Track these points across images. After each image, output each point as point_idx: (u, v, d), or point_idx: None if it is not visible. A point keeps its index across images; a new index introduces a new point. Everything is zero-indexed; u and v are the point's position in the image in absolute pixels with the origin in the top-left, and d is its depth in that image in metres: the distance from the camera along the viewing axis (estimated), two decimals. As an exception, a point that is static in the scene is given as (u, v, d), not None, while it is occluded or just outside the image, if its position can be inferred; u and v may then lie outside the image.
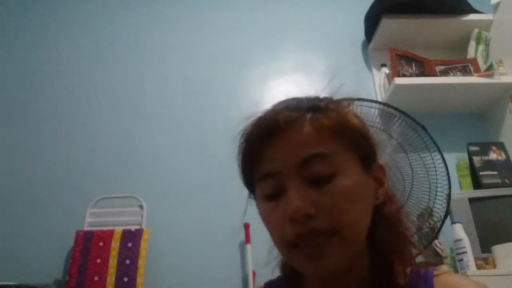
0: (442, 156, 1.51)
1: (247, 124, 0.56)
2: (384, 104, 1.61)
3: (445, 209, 1.48)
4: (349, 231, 0.49)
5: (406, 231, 0.58)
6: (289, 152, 0.51)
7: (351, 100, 0.62)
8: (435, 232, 1.72)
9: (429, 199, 1.50)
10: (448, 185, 1.49)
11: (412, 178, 1.51)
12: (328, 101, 0.56)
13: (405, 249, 0.56)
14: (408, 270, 0.55)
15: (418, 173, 1.52)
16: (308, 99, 0.57)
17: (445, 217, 1.49)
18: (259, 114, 0.56)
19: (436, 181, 1.50)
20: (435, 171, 1.51)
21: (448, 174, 1.50)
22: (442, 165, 1.50)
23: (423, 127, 1.54)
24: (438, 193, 1.50)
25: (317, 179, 0.50)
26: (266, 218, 0.53)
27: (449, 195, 1.48)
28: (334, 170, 0.50)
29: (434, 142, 1.52)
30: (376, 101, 1.55)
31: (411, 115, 1.56)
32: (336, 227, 0.48)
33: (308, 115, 0.53)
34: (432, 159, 1.52)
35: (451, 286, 0.52)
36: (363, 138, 0.55)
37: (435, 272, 0.55)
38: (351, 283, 0.54)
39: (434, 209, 1.50)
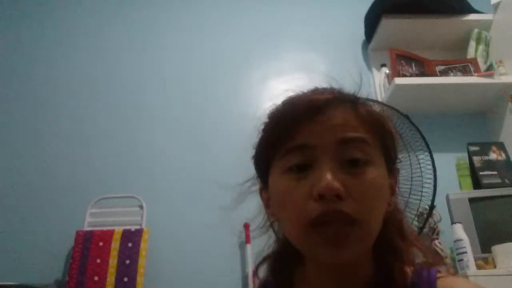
0: (426, 143, 1.51)
1: (275, 106, 0.57)
2: (375, 101, 1.62)
3: (431, 200, 1.49)
4: (368, 224, 0.49)
5: (408, 232, 0.58)
6: (331, 129, 0.51)
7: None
8: (434, 231, 1.73)
9: (410, 192, 1.50)
10: (434, 177, 1.49)
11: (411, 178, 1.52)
12: (365, 99, 0.57)
13: (406, 251, 0.55)
14: (410, 270, 0.54)
15: (405, 169, 1.53)
16: (347, 92, 0.57)
17: (431, 207, 1.50)
18: (293, 95, 0.57)
19: (421, 173, 1.51)
20: (419, 165, 1.51)
21: (434, 164, 1.50)
22: (428, 155, 1.51)
23: (407, 117, 1.55)
24: (425, 189, 1.51)
25: (352, 162, 0.49)
26: (285, 191, 0.51)
27: (434, 187, 1.49)
28: (369, 159, 0.50)
29: (419, 131, 1.52)
30: (369, 99, 1.56)
31: (405, 113, 1.58)
32: (359, 217, 0.47)
33: (349, 105, 0.54)
34: (411, 155, 1.53)
35: (454, 285, 0.51)
36: (393, 142, 0.57)
37: (438, 275, 0.53)
38: (353, 283, 0.53)
39: (421, 204, 1.51)
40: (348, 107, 0.53)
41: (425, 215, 1.77)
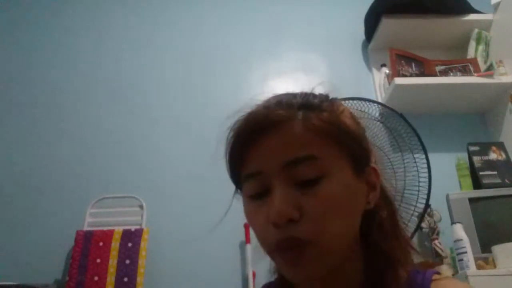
0: (421, 142, 1.51)
1: (237, 117, 0.55)
2: (362, 99, 1.62)
3: (425, 200, 1.49)
4: (328, 243, 0.48)
5: (401, 234, 0.56)
6: (276, 152, 0.49)
7: (343, 100, 0.59)
8: (434, 231, 1.73)
9: (418, 196, 1.51)
10: (428, 176, 1.50)
11: (405, 176, 1.53)
12: (322, 98, 0.54)
13: (400, 254, 0.53)
14: (405, 273, 0.52)
15: (409, 171, 1.54)
16: (302, 95, 0.54)
17: (425, 211, 1.50)
18: (250, 109, 0.54)
19: (418, 174, 1.51)
20: (415, 164, 1.52)
21: (428, 163, 1.50)
22: (422, 152, 1.52)
23: (401, 116, 1.56)
24: (421, 189, 1.51)
25: (303, 182, 0.48)
26: (250, 218, 0.53)
27: (429, 186, 1.49)
28: (322, 173, 0.48)
29: (414, 130, 1.53)
30: (355, 98, 1.56)
31: (402, 112, 1.58)
32: (316, 238, 0.47)
33: (300, 114, 0.51)
34: (407, 154, 1.54)
35: None
36: (356, 140, 0.53)
37: (433, 277, 0.52)
38: (342, 286, 0.53)
39: (418, 204, 1.51)
40: (298, 120, 0.50)
41: (425, 216, 1.78)
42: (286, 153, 0.49)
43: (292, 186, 0.48)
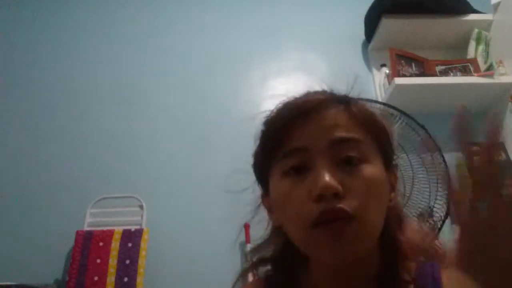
0: (442, 155, 1.51)
1: (269, 112, 0.58)
2: (385, 104, 1.61)
3: (446, 208, 1.49)
4: (369, 222, 0.49)
5: (411, 228, 0.59)
6: (323, 130, 0.52)
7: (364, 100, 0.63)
8: (435, 231, 1.73)
9: (429, 199, 1.51)
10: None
11: (413, 179, 1.52)
12: (357, 99, 0.59)
13: (408, 247, 0.56)
14: (414, 264, 0.55)
15: (419, 173, 1.53)
16: (339, 94, 0.59)
17: (446, 216, 1.50)
18: (286, 100, 0.58)
19: (436, 181, 1.51)
20: (435, 171, 1.51)
21: (448, 173, 1.50)
22: (443, 164, 1.51)
23: (423, 127, 1.55)
24: (438, 193, 1.51)
25: (347, 161, 0.51)
26: (285, 195, 0.52)
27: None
28: (364, 157, 0.51)
29: (435, 142, 1.53)
30: (377, 101, 1.55)
31: (412, 115, 1.57)
32: (359, 213, 0.48)
33: (342, 105, 0.55)
34: (432, 158, 1.53)
35: (459, 278, 0.50)
36: (388, 138, 0.58)
37: (443, 268, 0.54)
38: (359, 279, 0.54)
39: (434, 209, 1.51)
40: (340, 108, 0.55)
41: (425, 215, 1.77)
42: (332, 133, 0.52)
43: (335, 165, 0.50)
